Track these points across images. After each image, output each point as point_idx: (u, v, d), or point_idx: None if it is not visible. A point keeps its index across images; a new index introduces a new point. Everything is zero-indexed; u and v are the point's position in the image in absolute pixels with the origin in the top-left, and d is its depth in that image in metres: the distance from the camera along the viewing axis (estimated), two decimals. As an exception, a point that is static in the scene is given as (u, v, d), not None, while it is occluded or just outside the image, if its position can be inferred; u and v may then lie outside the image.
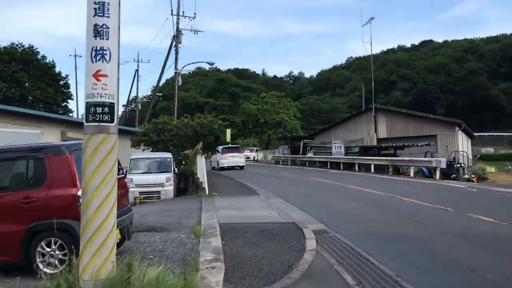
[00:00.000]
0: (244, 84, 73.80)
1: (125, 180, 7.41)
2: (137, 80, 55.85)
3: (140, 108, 57.59)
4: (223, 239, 7.82)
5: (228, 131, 61.47)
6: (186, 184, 19.63)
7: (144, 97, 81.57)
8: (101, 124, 4.55)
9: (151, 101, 41.31)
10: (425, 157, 24.20)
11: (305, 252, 7.09)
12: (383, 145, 27.00)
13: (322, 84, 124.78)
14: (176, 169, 18.68)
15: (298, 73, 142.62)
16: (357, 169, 27.59)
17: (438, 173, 19.58)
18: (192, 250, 6.97)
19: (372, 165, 25.26)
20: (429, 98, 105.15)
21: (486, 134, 76.66)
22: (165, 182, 15.91)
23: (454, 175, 20.25)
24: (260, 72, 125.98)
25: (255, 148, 55.10)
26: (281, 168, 34.35)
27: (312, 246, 7.42)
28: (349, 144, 31.93)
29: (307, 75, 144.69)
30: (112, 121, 4.62)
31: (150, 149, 25.27)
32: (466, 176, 21.33)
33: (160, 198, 15.65)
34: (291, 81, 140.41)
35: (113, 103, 4.66)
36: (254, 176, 25.68)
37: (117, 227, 6.70)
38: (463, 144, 31.09)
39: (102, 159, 4.51)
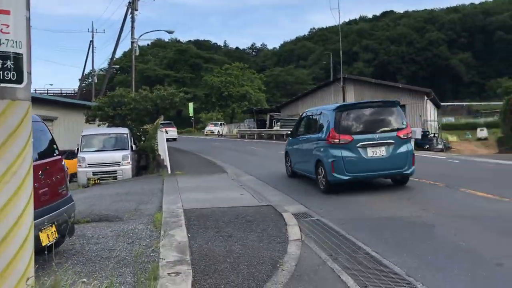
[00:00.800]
0: (206, 55, 71.30)
1: (63, 162, 5.89)
2: (92, 52, 52.54)
3: (96, 81, 54.52)
4: (189, 230, 6.49)
5: (191, 105, 59.42)
6: (147, 162, 18.08)
7: (101, 69, 77.78)
8: (2, 85, 3.05)
9: (107, 73, 38.69)
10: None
11: (288, 243, 5.89)
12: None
13: (285, 56, 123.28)
14: (134, 145, 17.06)
15: (261, 45, 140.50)
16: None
17: (412, 144, 18.81)
18: (150, 248, 5.61)
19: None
20: (391, 68, 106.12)
21: (447, 104, 78.04)
22: (122, 160, 14.34)
23: (427, 146, 19.59)
24: (222, 44, 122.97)
25: (220, 122, 53.52)
26: (248, 142, 33.12)
27: (296, 236, 6.22)
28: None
29: (270, 46, 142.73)
30: (19, 81, 3.12)
31: (106, 125, 23.38)
32: (440, 146, 20.76)
33: (116, 179, 14.10)
34: (253, 53, 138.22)
35: (20, 55, 3.15)
36: (220, 151, 24.34)
37: (53, 223, 5.28)
38: (430, 113, 30.76)
39: (6, 137, 3.03)
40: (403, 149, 9.21)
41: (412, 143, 18.28)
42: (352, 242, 5.84)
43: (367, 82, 31.81)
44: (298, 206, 8.30)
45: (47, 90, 73.17)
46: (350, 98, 31.90)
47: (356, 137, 8.99)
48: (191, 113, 57.78)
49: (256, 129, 39.63)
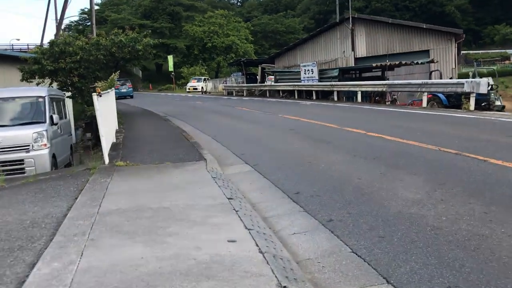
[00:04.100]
0: (187, 2, 63.53)
1: None
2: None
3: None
4: None
5: (170, 58, 52.73)
6: (97, 141, 12.39)
7: (73, 22, 69.78)
8: None
9: (59, 24, 30.74)
10: (430, 78, 17.97)
11: None
12: (375, 64, 20.34)
13: (272, 6, 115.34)
14: (66, 115, 11.36)
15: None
16: (335, 98, 21.10)
17: (472, 102, 13.36)
18: None
19: (359, 92, 18.76)
20: (384, 16, 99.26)
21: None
22: (33, 142, 8.63)
23: (485, 103, 14.15)
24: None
25: (203, 77, 47.23)
26: (237, 101, 27.31)
27: None
28: (320, 67, 25.10)
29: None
30: None
31: (48, 83, 17.42)
32: (498, 103, 15.39)
33: (24, 173, 8.47)
34: (238, 3, 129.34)
35: None
36: (201, 115, 18.63)
37: None
38: (455, 61, 25.11)
39: None
40: None
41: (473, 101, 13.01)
42: None
43: (382, 22, 25.73)
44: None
45: (12, 45, 65.57)
46: (361, 44, 25.99)
47: None
48: (171, 68, 51.26)
49: (245, 85, 33.67)
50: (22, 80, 17.57)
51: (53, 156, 9.14)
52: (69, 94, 17.82)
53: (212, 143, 10.74)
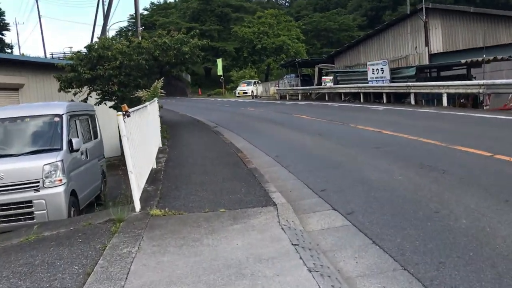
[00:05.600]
0: (235, 3, 61.63)
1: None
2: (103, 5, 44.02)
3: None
4: None
5: (219, 62, 50.80)
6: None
7: (123, 28, 69.85)
8: None
9: (107, 14, 28.36)
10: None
11: None
12: (464, 61, 16.93)
13: (322, 4, 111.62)
14: (97, 135, 9.23)
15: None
16: (412, 101, 17.97)
17: None
18: None
19: (445, 95, 15.57)
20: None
21: None
22: (44, 177, 6.45)
23: None
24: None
25: (253, 81, 44.91)
26: (292, 106, 24.66)
27: None
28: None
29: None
30: None
31: (86, 93, 15.63)
32: None
33: (33, 219, 6.31)
34: (287, 3, 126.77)
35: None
36: (254, 124, 16.21)
37: None
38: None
39: None
40: None
41: None
42: None
43: (461, 12, 22.11)
44: None
45: (65, 53, 65.78)
46: (437, 39, 22.55)
47: None
48: (220, 72, 49.33)
49: (300, 87, 30.91)
50: (59, 90, 15.90)
51: (73, 193, 6.93)
52: (111, 103, 16.00)
53: (277, 169, 8.22)
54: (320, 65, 29.27)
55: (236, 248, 4.25)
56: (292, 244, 4.29)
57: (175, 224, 5.11)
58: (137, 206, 5.62)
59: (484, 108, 14.47)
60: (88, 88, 15.54)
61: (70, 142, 7.02)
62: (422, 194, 5.58)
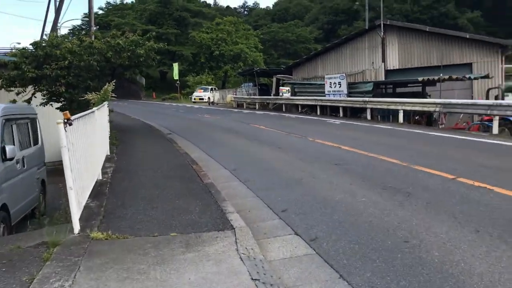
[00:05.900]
0: (194, 8, 60.84)
1: None
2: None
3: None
4: None
5: (176, 66, 49.73)
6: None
7: (76, 27, 67.08)
8: None
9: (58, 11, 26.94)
10: (487, 97, 14.96)
11: None
12: (421, 79, 17.19)
13: (279, 15, 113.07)
14: (37, 140, 8.38)
15: (253, 4, 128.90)
16: (368, 117, 18.06)
17: None
18: None
19: (401, 112, 15.71)
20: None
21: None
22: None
23: None
24: (211, 2, 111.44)
25: (210, 87, 44.28)
26: (250, 115, 24.28)
27: None
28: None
29: (262, 5, 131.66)
30: None
31: (30, 93, 14.49)
32: None
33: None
34: (245, 12, 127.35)
35: None
36: (210, 133, 15.65)
37: None
38: (503, 77, 22.03)
39: None
40: None
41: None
42: None
43: (417, 31, 22.66)
44: None
45: (11, 49, 62.57)
46: (393, 55, 22.97)
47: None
48: (176, 76, 48.31)
49: (258, 97, 30.65)
50: (0, 88, 14.68)
51: (4, 208, 6.11)
52: (58, 105, 14.90)
53: (234, 185, 7.72)
54: (278, 75, 29.17)
55: (188, 284, 3.70)
56: (252, 279, 3.81)
57: (118, 251, 4.48)
58: (76, 227, 4.92)
59: (440, 126, 14.72)
60: (32, 88, 14.43)
61: (3, 150, 6.20)
62: (389, 220, 5.26)
